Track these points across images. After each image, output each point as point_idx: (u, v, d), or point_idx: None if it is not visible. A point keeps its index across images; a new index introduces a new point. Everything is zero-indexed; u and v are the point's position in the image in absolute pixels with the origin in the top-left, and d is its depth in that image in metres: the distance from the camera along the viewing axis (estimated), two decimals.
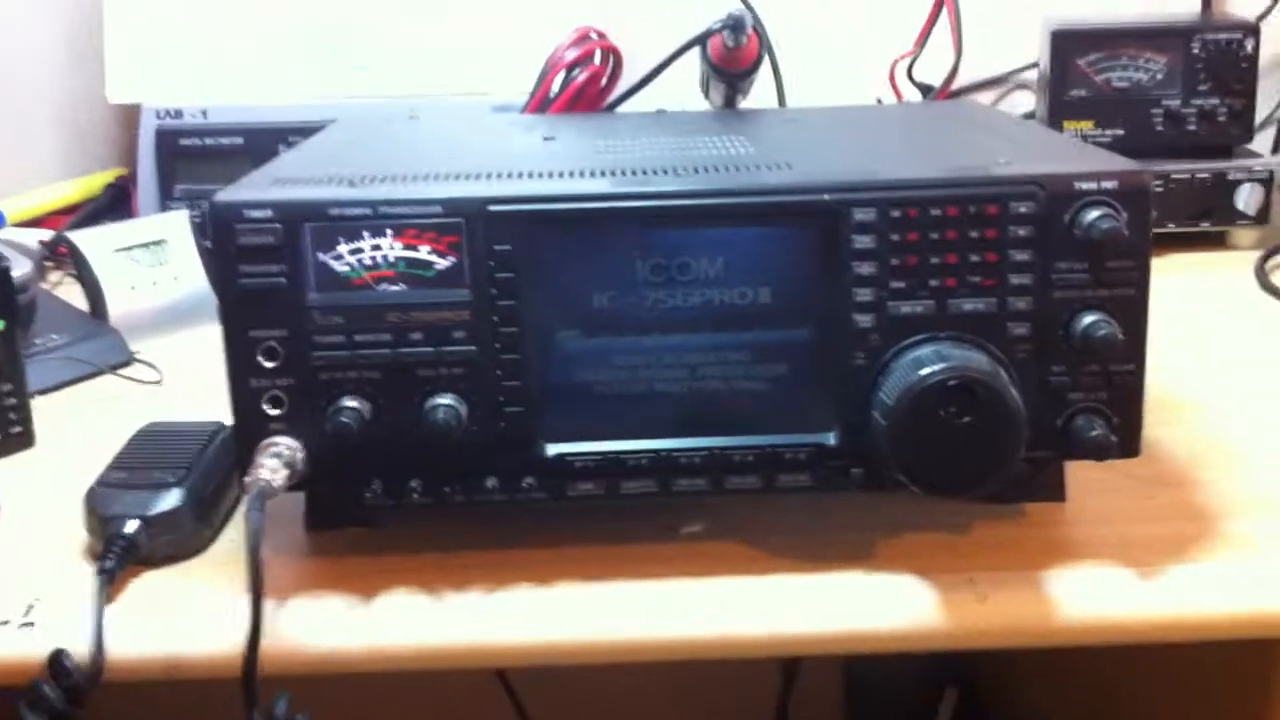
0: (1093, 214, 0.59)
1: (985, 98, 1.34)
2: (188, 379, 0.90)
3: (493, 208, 0.59)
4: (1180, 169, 1.14)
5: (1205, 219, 1.15)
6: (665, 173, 0.64)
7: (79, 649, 0.58)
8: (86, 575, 0.61)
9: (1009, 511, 0.66)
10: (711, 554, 0.64)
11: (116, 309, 0.98)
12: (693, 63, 1.00)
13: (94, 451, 0.70)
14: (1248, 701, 0.76)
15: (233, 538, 0.67)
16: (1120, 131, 1.15)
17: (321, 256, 0.59)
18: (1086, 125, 1.16)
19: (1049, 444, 0.61)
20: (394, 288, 0.60)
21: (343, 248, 0.59)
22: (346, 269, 0.59)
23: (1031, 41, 1.24)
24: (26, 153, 1.32)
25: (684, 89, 1.05)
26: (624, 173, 0.64)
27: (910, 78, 1.28)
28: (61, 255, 1.10)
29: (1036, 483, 0.66)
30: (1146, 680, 0.95)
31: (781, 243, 0.61)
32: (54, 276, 1.11)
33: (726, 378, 0.62)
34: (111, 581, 0.61)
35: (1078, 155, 0.66)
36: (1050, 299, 0.60)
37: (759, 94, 1.04)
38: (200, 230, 1.05)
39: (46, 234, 1.14)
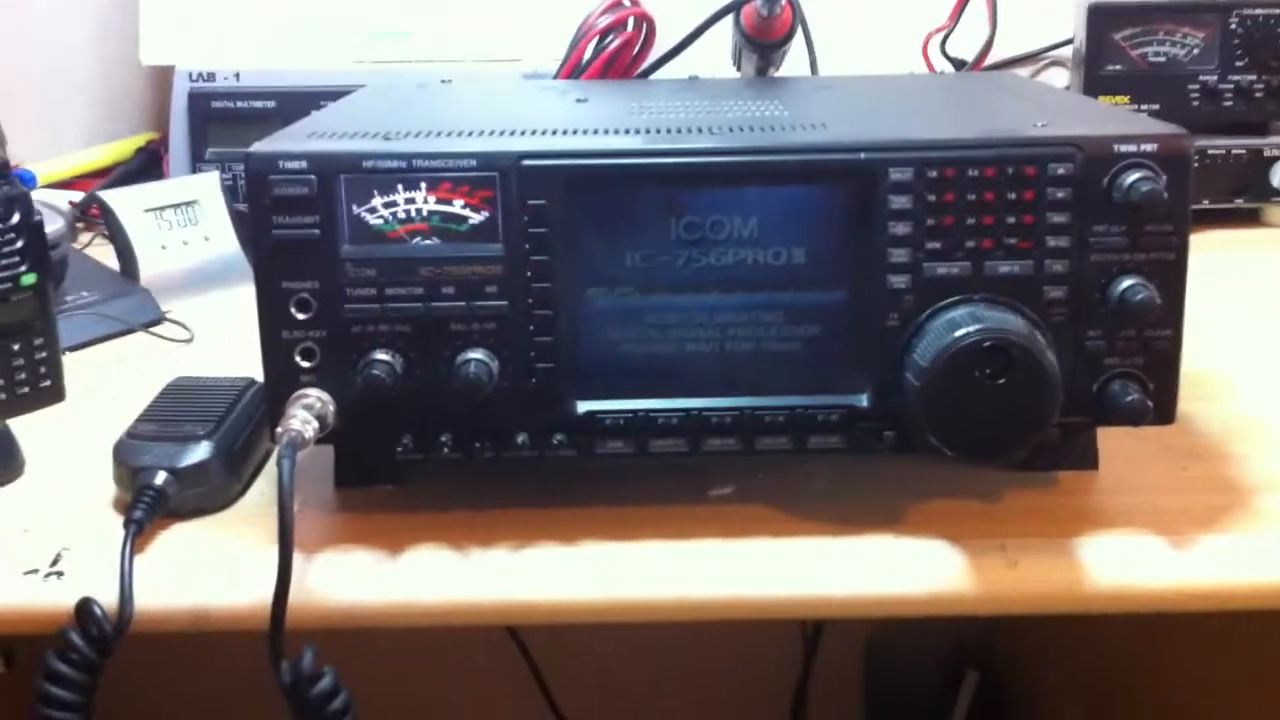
0: (1132, 176, 0.58)
1: (1019, 73, 1.33)
2: (218, 338, 0.90)
3: (527, 162, 0.59)
4: (1216, 145, 1.13)
5: (1240, 195, 1.14)
6: (700, 131, 0.63)
7: (107, 599, 0.58)
8: (115, 526, 0.61)
9: (1041, 479, 0.66)
10: (740, 516, 0.64)
11: (147, 268, 0.98)
12: (725, 34, 0.99)
13: (123, 407, 0.70)
14: (1269, 682, 0.75)
15: (262, 491, 0.67)
16: (1156, 107, 1.14)
17: (356, 209, 0.59)
18: (1122, 101, 1.15)
19: (1083, 409, 0.61)
20: (427, 241, 0.59)
21: (377, 200, 0.59)
22: (380, 222, 0.59)
23: (1066, 18, 1.23)
24: (59, 116, 1.33)
25: (716, 60, 1.04)
26: (658, 131, 0.63)
27: (944, 52, 1.27)
28: (93, 216, 1.10)
29: (1069, 450, 0.65)
30: (1168, 662, 0.95)
31: (816, 202, 0.60)
32: (85, 237, 1.12)
33: (759, 338, 0.62)
34: (139, 532, 0.61)
35: (1117, 119, 0.65)
36: (1087, 262, 0.60)
37: (791, 67, 1.04)
38: (231, 192, 1.05)
39: (78, 195, 1.15)
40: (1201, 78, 1.14)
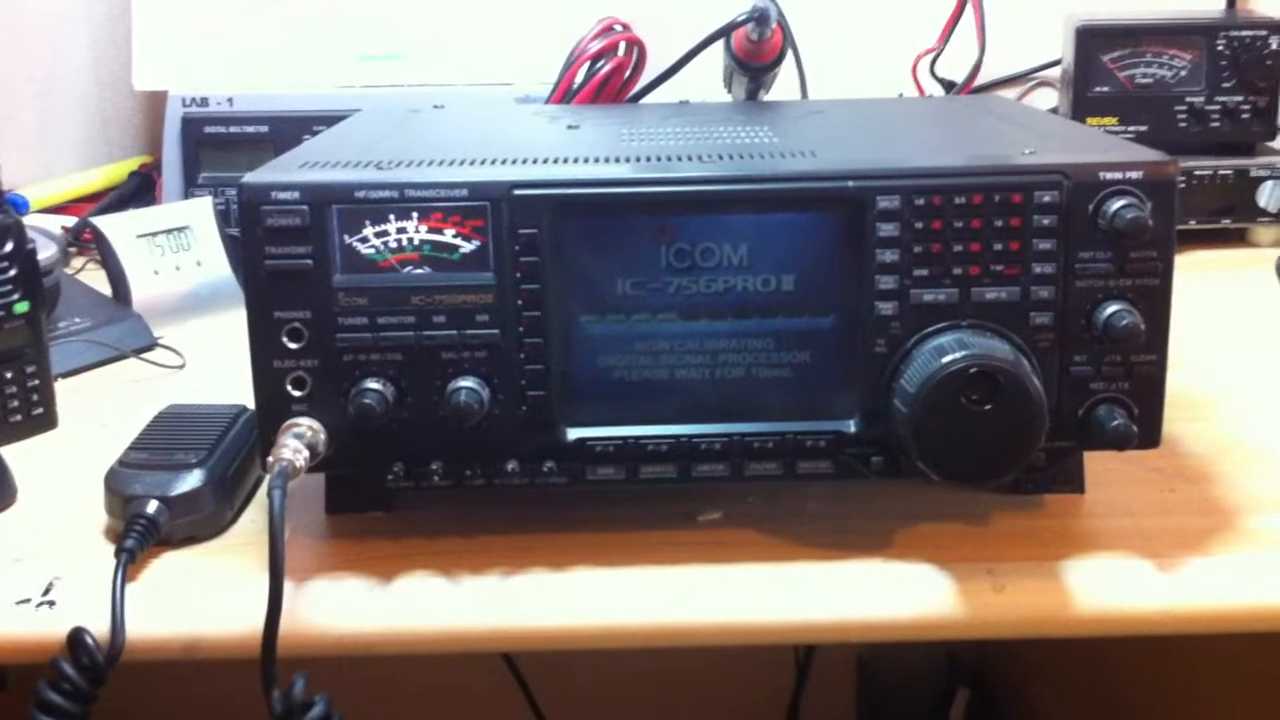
0: (1117, 204, 0.59)
1: (1008, 94, 1.34)
2: (210, 364, 0.90)
3: (518, 191, 0.59)
4: (1203, 165, 1.13)
5: (1226, 216, 1.15)
6: (689, 159, 0.64)
7: (99, 628, 0.58)
8: (107, 555, 0.61)
9: (1028, 502, 0.66)
10: (729, 541, 0.64)
11: (140, 294, 0.98)
12: (716, 56, 1.00)
13: (115, 433, 0.70)
14: (1262, 698, 0.75)
15: (253, 519, 0.67)
16: (1144, 128, 1.15)
17: (348, 239, 0.59)
18: (1110, 122, 1.15)
19: (1069, 434, 0.61)
20: (419, 270, 0.60)
21: (369, 230, 0.59)
22: (372, 251, 0.60)
23: (1055, 39, 1.23)
24: (52, 140, 1.33)
25: (707, 82, 1.05)
26: (648, 159, 0.64)
27: (933, 74, 1.28)
28: (86, 241, 1.11)
29: (1056, 473, 0.66)
30: (1159, 681, 0.95)
31: (805, 230, 0.61)
32: (78, 262, 1.12)
33: (748, 364, 0.62)
34: (132, 561, 0.61)
35: (1103, 146, 0.65)
36: (1073, 288, 0.60)
37: (782, 89, 1.04)
38: (224, 217, 1.05)
39: (71, 220, 1.15)
40: (1189, 99, 1.15)
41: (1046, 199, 0.60)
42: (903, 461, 0.61)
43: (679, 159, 0.64)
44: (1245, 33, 1.13)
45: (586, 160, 0.64)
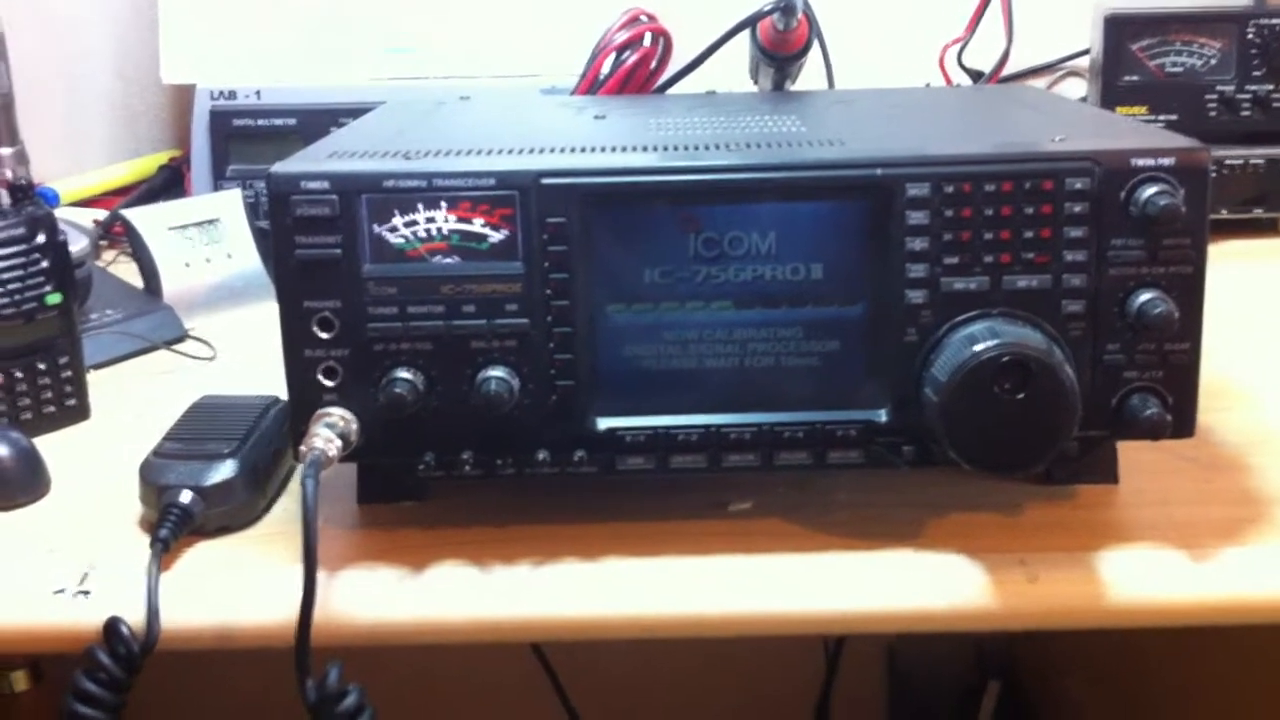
0: (1149, 190, 0.58)
1: (1036, 84, 1.33)
2: (241, 355, 0.91)
3: (546, 180, 0.59)
4: (1234, 155, 1.12)
5: (1258, 205, 1.14)
6: (717, 148, 0.63)
7: (134, 618, 0.58)
8: (141, 545, 0.62)
9: (1060, 492, 0.66)
10: (759, 531, 0.64)
11: (170, 286, 0.99)
12: (742, 47, 0.99)
13: (148, 424, 0.70)
14: None
15: (286, 508, 0.68)
16: (1174, 117, 1.14)
17: (377, 228, 0.60)
18: (1140, 111, 1.15)
19: (1102, 423, 0.61)
20: (448, 260, 0.60)
21: (398, 220, 0.60)
22: (401, 241, 0.60)
23: (1083, 28, 1.22)
24: (82, 135, 1.34)
25: (733, 74, 1.04)
26: (676, 148, 0.64)
27: (960, 64, 1.27)
28: (117, 234, 1.11)
29: (1089, 464, 0.65)
30: (1191, 674, 0.95)
31: (834, 218, 0.61)
32: (109, 255, 1.13)
33: (777, 354, 0.62)
34: (166, 551, 0.61)
35: (1134, 133, 0.65)
36: (1105, 276, 0.60)
37: (808, 80, 1.04)
38: (253, 210, 1.06)
39: (102, 213, 1.16)
40: (1219, 88, 1.14)
41: (1078, 186, 0.59)
42: (934, 451, 0.61)
43: (706, 148, 0.64)
44: (1275, 20, 1.12)
45: (614, 149, 0.64)
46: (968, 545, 0.62)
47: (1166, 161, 0.59)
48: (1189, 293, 0.60)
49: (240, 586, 0.61)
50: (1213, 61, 1.14)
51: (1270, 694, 0.80)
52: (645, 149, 0.64)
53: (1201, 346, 0.61)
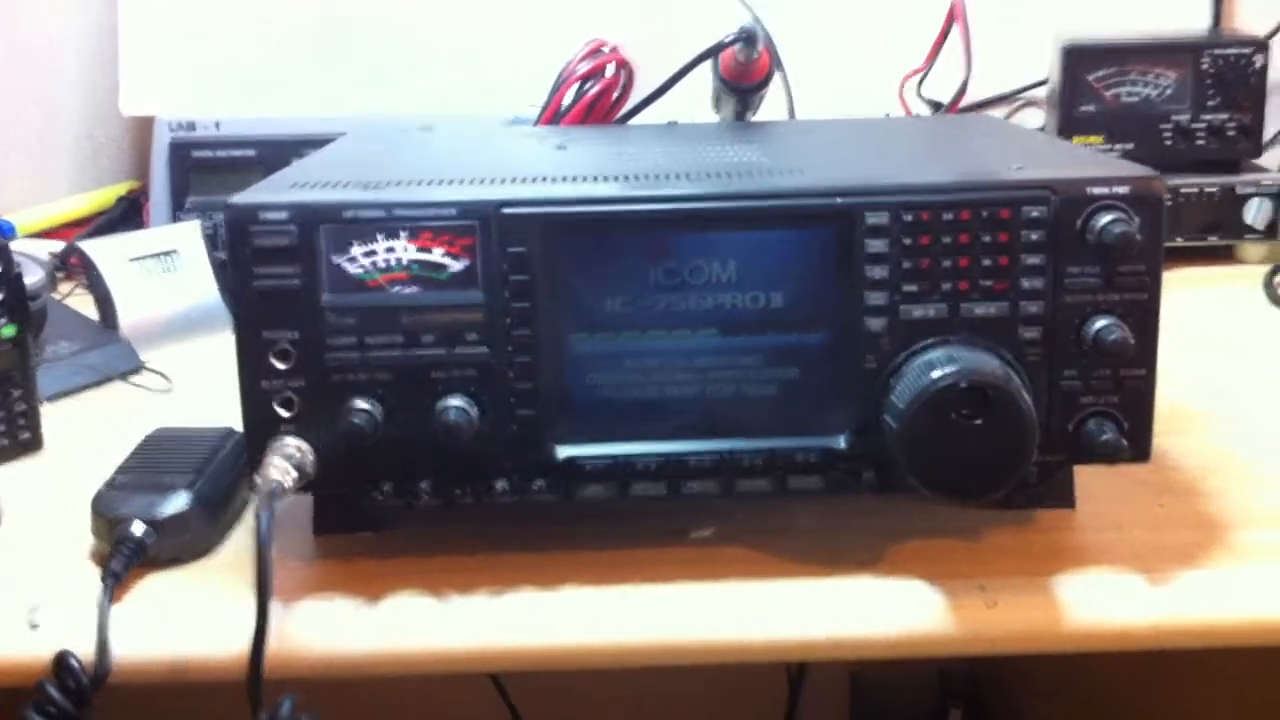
0: (1105, 219, 0.59)
1: (995, 114, 1.34)
2: (197, 388, 0.90)
3: (507, 210, 0.59)
4: (1189, 183, 1.14)
5: (1213, 233, 1.15)
6: (678, 177, 0.64)
7: (85, 651, 0.57)
8: (93, 578, 0.61)
9: (1019, 517, 0.66)
10: (720, 558, 0.64)
11: (127, 318, 0.98)
12: (704, 78, 1.00)
13: (102, 457, 0.70)
14: (1260, 709, 0.75)
15: (241, 540, 0.67)
16: (1130, 145, 1.15)
17: (336, 258, 0.59)
18: (1096, 140, 1.16)
19: (1060, 448, 0.61)
20: (408, 289, 0.60)
21: (357, 250, 0.59)
22: (360, 271, 0.59)
23: (1041, 59, 1.24)
24: (40, 166, 1.32)
25: (695, 104, 1.05)
26: (637, 177, 0.64)
27: (920, 94, 1.28)
28: (74, 266, 1.10)
29: (1046, 488, 0.65)
30: (1150, 696, 0.95)
31: (794, 246, 0.61)
32: (65, 287, 1.11)
33: (738, 381, 0.62)
34: (118, 583, 0.61)
35: (1090, 162, 0.66)
36: (1062, 303, 0.60)
37: (769, 110, 1.04)
38: (213, 241, 1.05)
39: (58, 245, 1.15)
40: (1174, 117, 1.16)
41: (1035, 214, 0.60)
42: (894, 477, 0.61)
43: (668, 177, 0.64)
44: (1230, 50, 1.14)
45: (575, 179, 0.64)
46: (927, 571, 0.62)
47: (1122, 190, 0.60)
48: (1144, 319, 0.60)
49: (194, 619, 0.60)
50: (1168, 91, 1.16)
51: (1229, 716, 0.80)
52: (607, 179, 0.64)
53: (1157, 372, 0.61)
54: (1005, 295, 0.60)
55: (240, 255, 0.59)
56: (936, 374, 0.58)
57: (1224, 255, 1.17)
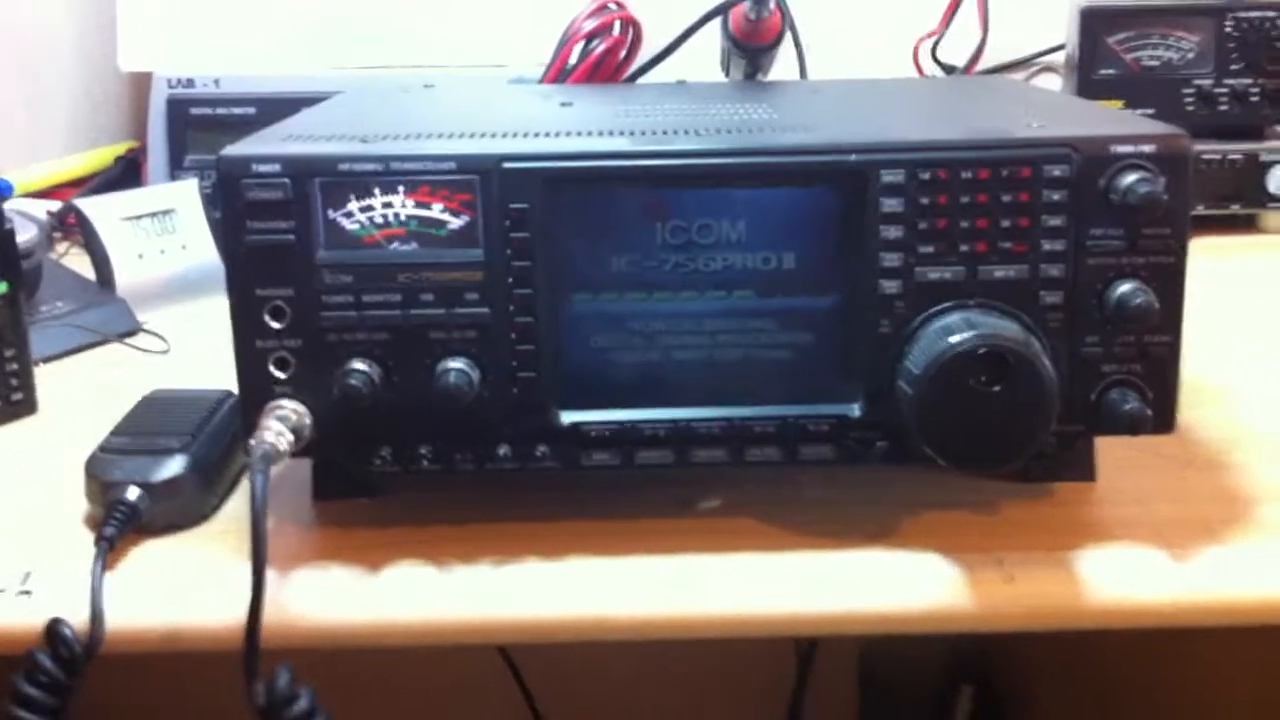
0: (1130, 178, 0.57)
1: (1012, 78, 1.32)
2: (195, 349, 0.89)
3: (508, 165, 0.57)
4: (1211, 150, 1.12)
5: (1235, 201, 1.13)
6: (686, 133, 0.62)
7: (77, 619, 0.56)
8: (86, 543, 0.60)
9: (1037, 490, 0.65)
10: (728, 529, 0.62)
11: (124, 278, 0.96)
12: (713, 38, 0.98)
13: (97, 419, 0.68)
14: (1274, 692, 0.74)
15: (238, 506, 0.66)
16: (1150, 111, 1.13)
17: (331, 213, 0.58)
18: (1116, 105, 1.13)
19: (1081, 418, 0.59)
20: (405, 247, 0.58)
21: (353, 205, 0.58)
22: (357, 227, 0.58)
23: (1058, 23, 1.21)
24: (38, 125, 1.31)
25: (704, 66, 1.03)
26: (644, 133, 0.62)
27: (935, 58, 1.26)
28: (71, 226, 1.09)
29: (1065, 461, 0.64)
30: (1164, 677, 0.94)
31: (806, 206, 0.59)
32: (62, 247, 1.10)
33: (747, 345, 0.60)
34: (111, 549, 0.59)
35: (1114, 120, 0.63)
36: (1084, 266, 0.58)
37: (780, 73, 1.03)
38: (210, 200, 1.03)
39: (57, 204, 1.13)
40: (1196, 81, 1.13)
41: (1056, 173, 0.58)
42: (908, 447, 0.59)
43: (675, 133, 0.62)
44: (1254, 14, 1.12)
45: (579, 134, 0.62)
46: (943, 544, 0.60)
47: (1147, 149, 0.58)
48: (1169, 283, 0.58)
49: (189, 587, 0.59)
50: (1190, 55, 1.13)
51: (1244, 696, 0.79)
52: (612, 134, 0.62)
53: (1182, 339, 0.59)
54: (1025, 258, 0.58)
55: (232, 209, 0.57)
56: (954, 339, 0.56)
57: (1245, 224, 1.15)
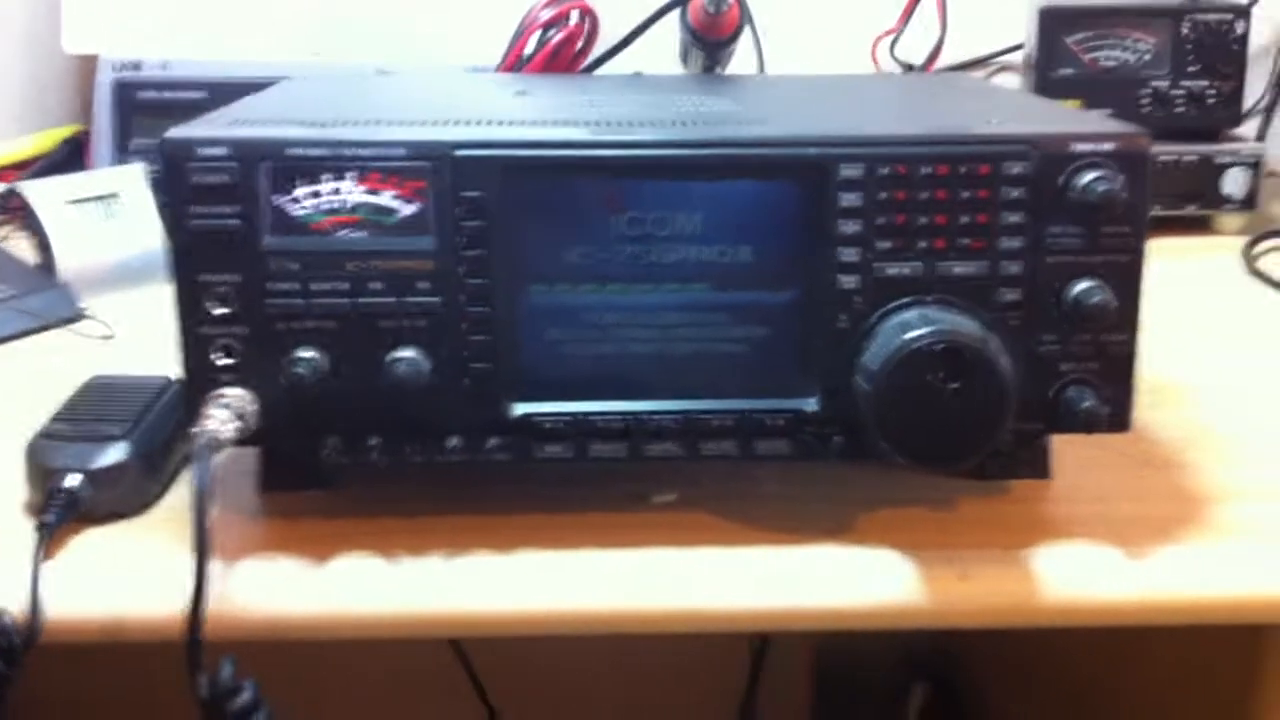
0: (1088, 176, 0.57)
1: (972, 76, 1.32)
2: (140, 336, 0.87)
3: (461, 152, 0.56)
4: (1167, 151, 1.12)
5: (1192, 203, 1.13)
6: (644, 124, 0.61)
7: (16, 608, 0.55)
8: (26, 531, 0.59)
9: (993, 488, 0.64)
10: (683, 524, 0.62)
11: (66, 263, 0.94)
12: (672, 30, 0.97)
13: (39, 405, 0.66)
14: (1227, 693, 0.74)
15: (182, 495, 0.64)
16: (1107, 112, 1.13)
17: (278, 199, 0.56)
18: (1073, 105, 1.13)
19: (1038, 416, 0.59)
20: (355, 234, 0.57)
21: (301, 190, 0.56)
22: (304, 213, 0.56)
23: (1017, 22, 1.21)
24: None
25: (662, 58, 1.02)
26: (600, 123, 0.61)
27: (893, 55, 1.26)
28: (14, 209, 1.06)
29: (1022, 458, 0.64)
30: (1123, 679, 0.94)
31: (764, 199, 0.58)
32: (4, 231, 1.08)
33: (703, 339, 0.59)
34: (50, 537, 0.58)
35: (1073, 118, 0.63)
36: (1043, 264, 0.58)
37: (738, 67, 1.02)
38: (157, 185, 1.02)
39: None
40: (1153, 83, 1.13)
41: (1016, 170, 0.57)
42: (865, 443, 0.58)
43: (633, 124, 0.61)
44: (1210, 16, 1.12)
45: (535, 123, 0.61)
46: (898, 541, 0.60)
47: (1106, 147, 0.57)
48: (1127, 282, 0.58)
49: (131, 576, 0.58)
50: (1147, 56, 1.13)
51: (1200, 696, 0.79)
52: (568, 123, 0.61)
53: (1139, 338, 0.59)
54: (984, 254, 0.58)
55: (176, 193, 0.56)
56: (911, 334, 0.55)
57: (1201, 226, 1.15)
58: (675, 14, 0.95)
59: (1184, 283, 1.00)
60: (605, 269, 0.58)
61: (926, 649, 1.43)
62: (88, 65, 1.22)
